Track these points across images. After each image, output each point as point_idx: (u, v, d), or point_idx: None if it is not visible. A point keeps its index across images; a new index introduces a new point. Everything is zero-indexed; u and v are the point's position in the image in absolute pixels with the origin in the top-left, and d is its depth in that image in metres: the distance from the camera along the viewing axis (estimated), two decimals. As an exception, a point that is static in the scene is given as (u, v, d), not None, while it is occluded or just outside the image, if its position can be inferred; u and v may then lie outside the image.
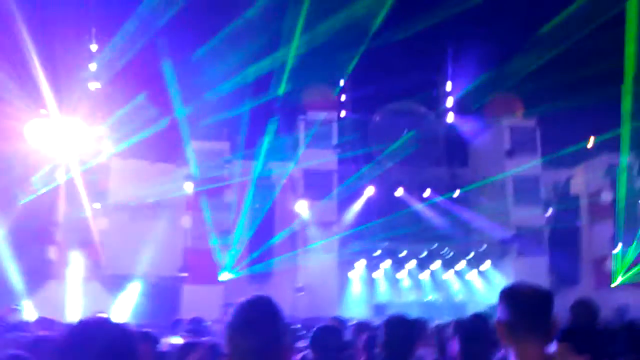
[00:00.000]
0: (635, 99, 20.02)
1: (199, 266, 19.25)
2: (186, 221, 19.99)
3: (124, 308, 17.69)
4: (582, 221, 22.81)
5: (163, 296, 17.98)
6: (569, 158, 23.15)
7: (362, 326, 6.41)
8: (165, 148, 19.87)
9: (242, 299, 2.35)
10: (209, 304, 16.83)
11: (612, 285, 20.89)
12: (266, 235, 20.54)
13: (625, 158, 21.21)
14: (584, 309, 4.91)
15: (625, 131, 20.51)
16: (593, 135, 22.91)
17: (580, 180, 23.38)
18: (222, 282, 19.37)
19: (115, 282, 18.12)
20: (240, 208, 20.33)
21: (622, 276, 21.03)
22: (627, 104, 20.27)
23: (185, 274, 19.35)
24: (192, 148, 20.31)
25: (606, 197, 22.09)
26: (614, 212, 21.66)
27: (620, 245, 21.14)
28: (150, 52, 18.46)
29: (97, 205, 19.16)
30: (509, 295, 2.56)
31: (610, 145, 22.12)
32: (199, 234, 19.70)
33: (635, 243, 21.25)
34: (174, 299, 18.33)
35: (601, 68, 19.96)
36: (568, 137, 22.41)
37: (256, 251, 20.20)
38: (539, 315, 2.44)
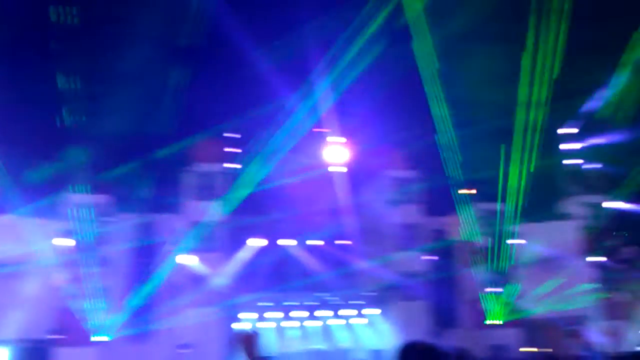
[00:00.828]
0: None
1: (74, 327, 18.06)
2: (60, 279, 18.77)
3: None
4: (458, 265, 23.85)
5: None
6: (446, 206, 24.46)
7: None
8: (42, 201, 18.77)
9: None
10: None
11: (490, 324, 21.94)
12: (147, 292, 19.76)
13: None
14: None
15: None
16: (468, 184, 24.42)
17: (456, 226, 24.60)
18: (99, 343, 18.27)
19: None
20: (120, 264, 19.46)
21: (496, 317, 22.18)
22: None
23: (59, 337, 18.04)
24: (71, 201, 19.41)
25: (479, 242, 23.37)
26: (488, 256, 22.99)
27: (493, 286, 22.38)
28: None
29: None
30: (405, 353, 2.78)
31: (485, 193, 23.68)
32: (73, 293, 18.59)
33: (507, 284, 22.62)
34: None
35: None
36: (446, 187, 23.74)
37: (136, 308, 19.33)
38: None
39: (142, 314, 19.27)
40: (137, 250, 20.25)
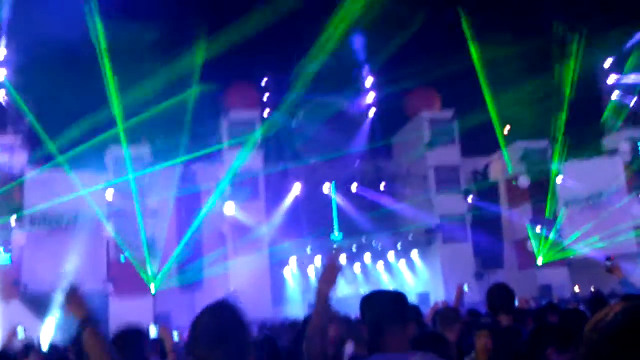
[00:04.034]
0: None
1: (126, 277, 18.49)
2: (108, 231, 19.08)
3: (49, 327, 16.71)
4: (502, 205, 23.57)
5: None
6: (486, 146, 24.02)
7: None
8: (83, 155, 18.91)
9: (206, 307, 2.16)
10: (139, 317, 16.24)
11: (538, 265, 21.82)
12: (194, 242, 20.05)
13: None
14: (501, 291, 5.02)
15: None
16: (508, 123, 23.87)
17: (498, 166, 24.21)
18: (152, 292, 18.69)
19: (37, 300, 17.08)
20: (165, 214, 19.66)
21: (544, 257, 22.00)
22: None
23: (112, 287, 18.49)
24: (112, 153, 19.55)
25: (523, 181, 22.94)
26: (531, 195, 22.62)
27: (539, 227, 22.09)
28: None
29: (12, 220, 18.06)
30: (371, 300, 2.78)
31: (524, 132, 23.17)
32: (123, 244, 18.91)
33: (553, 224, 22.29)
34: (102, 313, 17.54)
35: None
36: (484, 127, 23.28)
37: (185, 258, 19.65)
38: (397, 312, 2.69)
39: (193, 264, 19.60)
40: (180, 199, 20.41)
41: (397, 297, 2.74)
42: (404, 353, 2.56)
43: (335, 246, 20.71)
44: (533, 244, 22.05)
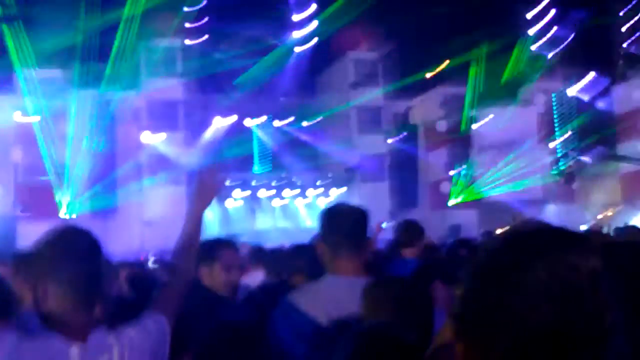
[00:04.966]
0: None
1: (36, 203, 17.81)
2: (17, 155, 18.23)
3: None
4: (420, 148, 24.18)
5: (-4, 235, 16.45)
6: (408, 89, 24.35)
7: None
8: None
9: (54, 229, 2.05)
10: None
11: (448, 205, 22.74)
12: (108, 168, 19.46)
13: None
14: (408, 227, 5.15)
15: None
16: (430, 68, 24.22)
17: (418, 110, 24.69)
18: (63, 218, 18.14)
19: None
20: (78, 140, 18.95)
21: (456, 198, 22.96)
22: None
23: (20, 212, 17.81)
24: (24, 76, 18.47)
25: (441, 126, 23.60)
26: (449, 140, 23.33)
27: (453, 170, 22.96)
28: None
29: None
30: (332, 215, 2.52)
31: (446, 78, 23.63)
32: (33, 169, 18.17)
33: (466, 168, 23.21)
34: (10, 238, 16.89)
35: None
36: (407, 70, 23.50)
37: (98, 185, 19.09)
38: (357, 232, 2.45)
39: (107, 192, 19.11)
40: (98, 128, 19.70)
41: (363, 214, 2.50)
42: (357, 276, 2.38)
43: (254, 180, 20.81)
44: (447, 186, 22.91)
